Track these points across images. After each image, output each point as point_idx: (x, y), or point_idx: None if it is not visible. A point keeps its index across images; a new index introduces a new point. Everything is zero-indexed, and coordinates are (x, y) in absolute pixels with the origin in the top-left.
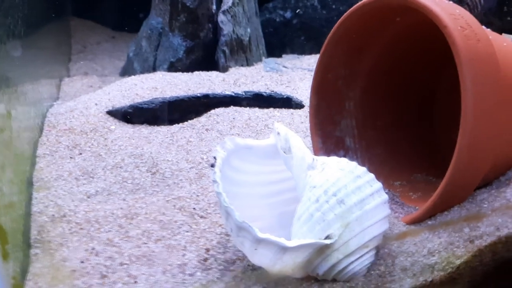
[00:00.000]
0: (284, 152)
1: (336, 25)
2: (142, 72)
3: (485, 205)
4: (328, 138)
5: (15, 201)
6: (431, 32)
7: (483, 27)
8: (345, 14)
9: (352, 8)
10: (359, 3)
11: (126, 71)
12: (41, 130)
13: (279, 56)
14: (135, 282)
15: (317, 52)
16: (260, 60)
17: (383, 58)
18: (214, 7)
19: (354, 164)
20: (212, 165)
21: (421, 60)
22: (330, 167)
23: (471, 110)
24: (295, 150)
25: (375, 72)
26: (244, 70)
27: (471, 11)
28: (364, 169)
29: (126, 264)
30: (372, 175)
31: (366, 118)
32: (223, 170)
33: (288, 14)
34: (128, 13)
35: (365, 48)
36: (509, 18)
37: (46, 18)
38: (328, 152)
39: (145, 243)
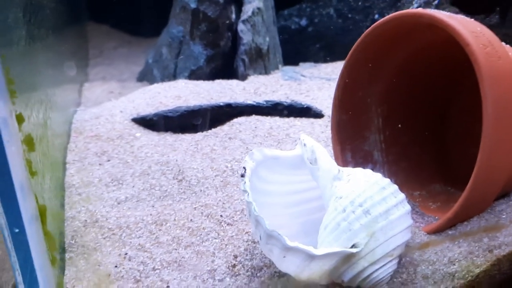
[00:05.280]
0: (310, 163)
1: (359, 40)
2: (162, 79)
3: (504, 216)
4: (351, 151)
5: (54, 207)
6: (452, 47)
7: (503, 43)
8: (368, 30)
9: (375, 24)
10: (384, 18)
11: (144, 77)
12: (68, 136)
13: (294, 63)
14: (168, 286)
15: (332, 60)
16: (277, 68)
17: (405, 75)
18: (233, 16)
19: (379, 175)
20: (242, 175)
21: (438, 74)
22: (356, 178)
23: (491, 125)
24: (321, 161)
25: (394, 86)
26: (263, 78)
27: None
28: (388, 180)
29: (158, 269)
30: (396, 186)
31: (387, 132)
32: (251, 180)
33: (303, 22)
34: (144, 18)
35: (386, 63)
36: None
37: (65, 22)
38: (352, 164)
39: (175, 249)
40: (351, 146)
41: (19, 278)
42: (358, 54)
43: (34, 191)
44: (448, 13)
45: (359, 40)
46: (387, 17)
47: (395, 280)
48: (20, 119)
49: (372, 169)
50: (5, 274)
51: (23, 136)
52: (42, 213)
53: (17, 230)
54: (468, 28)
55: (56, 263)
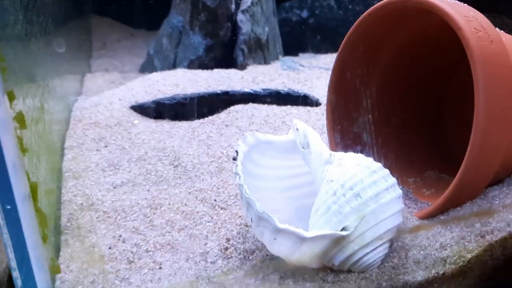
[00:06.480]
0: (303, 148)
1: (354, 25)
2: (162, 69)
3: (496, 202)
4: (346, 134)
5: (49, 189)
6: (445, 32)
7: (497, 29)
8: (363, 15)
9: (369, 10)
10: (377, 4)
11: (146, 68)
12: (68, 123)
13: (296, 54)
14: (160, 268)
15: (333, 51)
16: (277, 59)
17: (398, 58)
18: (233, 6)
19: (370, 159)
20: (234, 159)
21: (434, 59)
22: (347, 162)
23: (483, 109)
24: (313, 146)
25: (390, 71)
26: (262, 68)
27: None
28: (379, 164)
29: (151, 251)
30: (387, 171)
31: (381, 116)
32: (244, 164)
33: (304, 14)
34: (147, 11)
35: (381, 48)
36: None
37: (68, 15)
38: (345, 148)
39: (169, 232)
40: (341, 128)
41: (11, 255)
42: (352, 39)
43: (26, 169)
44: None
45: (353, 26)
46: (380, 3)
47: (386, 264)
48: (11, 96)
49: (361, 151)
50: (1, 255)
51: (14, 113)
52: (33, 190)
53: (9, 207)
54: (460, 12)
55: (48, 241)
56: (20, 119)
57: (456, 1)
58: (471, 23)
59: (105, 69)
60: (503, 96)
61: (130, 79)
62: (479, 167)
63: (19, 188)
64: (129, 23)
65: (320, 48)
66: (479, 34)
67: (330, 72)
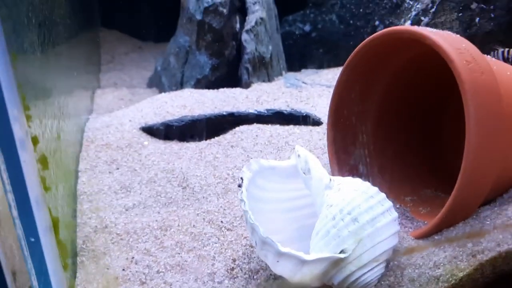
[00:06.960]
0: (304, 173)
1: (346, 62)
2: (169, 86)
3: (488, 222)
4: (344, 166)
5: (67, 214)
6: (438, 61)
7: (488, 57)
8: (356, 49)
9: (360, 44)
10: (368, 38)
11: (154, 83)
12: (80, 144)
13: (298, 67)
14: None
15: (334, 65)
16: (281, 74)
17: (392, 89)
18: (238, 25)
19: (367, 184)
20: (240, 185)
21: (428, 87)
22: (346, 188)
23: (474, 136)
24: (314, 171)
25: (385, 103)
26: (265, 86)
27: None
28: (376, 189)
29: (162, 272)
30: (383, 195)
31: (376, 148)
32: (249, 189)
33: (307, 27)
34: (154, 24)
35: (375, 83)
36: None
37: (78, 29)
38: (346, 171)
39: (179, 253)
40: (339, 159)
41: (35, 283)
42: (347, 73)
43: (47, 205)
44: (435, 30)
45: (348, 60)
46: (374, 35)
47: (382, 282)
48: (35, 141)
49: (361, 175)
50: (23, 276)
51: (38, 156)
52: (55, 224)
53: (32, 240)
54: (452, 44)
55: (68, 269)
56: (43, 161)
57: (449, 32)
58: (463, 55)
59: (114, 84)
60: (493, 123)
61: (138, 95)
62: (471, 189)
63: (42, 222)
64: (137, 36)
65: (322, 61)
66: (470, 66)
67: (331, 89)
